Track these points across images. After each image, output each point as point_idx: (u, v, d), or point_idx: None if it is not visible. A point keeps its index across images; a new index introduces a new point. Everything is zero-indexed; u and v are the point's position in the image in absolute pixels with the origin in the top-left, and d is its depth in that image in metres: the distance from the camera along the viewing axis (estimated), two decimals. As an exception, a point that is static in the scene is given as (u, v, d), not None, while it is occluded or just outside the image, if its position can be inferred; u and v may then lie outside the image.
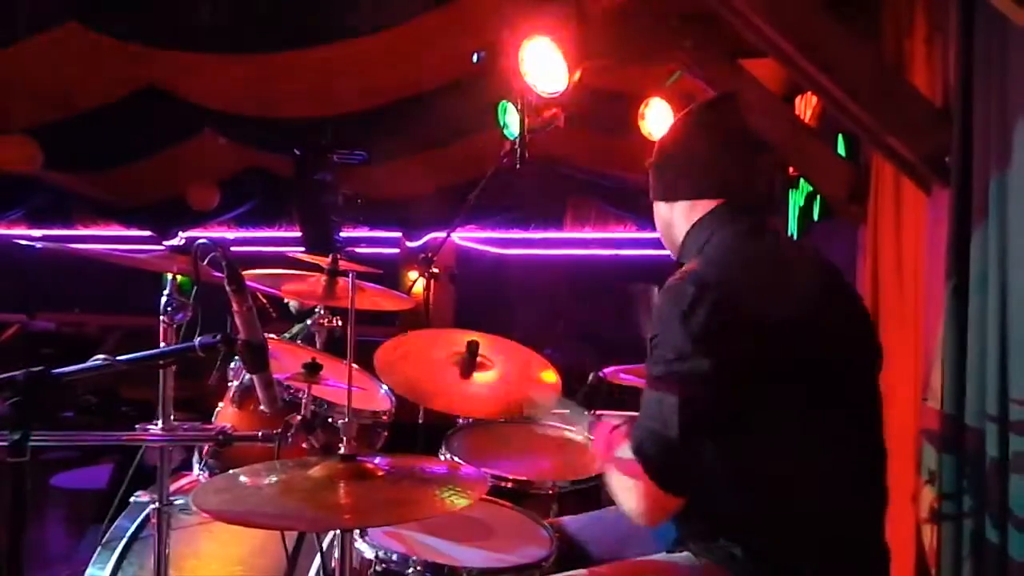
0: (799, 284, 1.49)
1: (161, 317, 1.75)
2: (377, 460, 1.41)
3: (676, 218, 1.60)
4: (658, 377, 1.39)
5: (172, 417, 1.77)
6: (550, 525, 1.83)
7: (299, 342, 2.73)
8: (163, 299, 1.75)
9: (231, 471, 1.44)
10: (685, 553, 1.51)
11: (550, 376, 2.39)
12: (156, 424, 1.75)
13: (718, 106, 1.69)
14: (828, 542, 1.40)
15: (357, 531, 1.63)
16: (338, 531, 1.47)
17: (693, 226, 1.56)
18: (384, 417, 2.39)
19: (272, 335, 2.61)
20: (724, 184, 1.56)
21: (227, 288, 1.40)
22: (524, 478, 2.15)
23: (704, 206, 1.56)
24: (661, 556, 1.56)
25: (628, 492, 1.41)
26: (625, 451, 1.41)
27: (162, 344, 1.74)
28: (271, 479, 1.36)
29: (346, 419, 1.39)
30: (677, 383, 1.36)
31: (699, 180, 1.57)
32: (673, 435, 1.35)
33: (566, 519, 1.89)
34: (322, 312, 2.75)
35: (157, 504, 1.76)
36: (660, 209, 1.65)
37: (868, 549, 1.47)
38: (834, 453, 1.41)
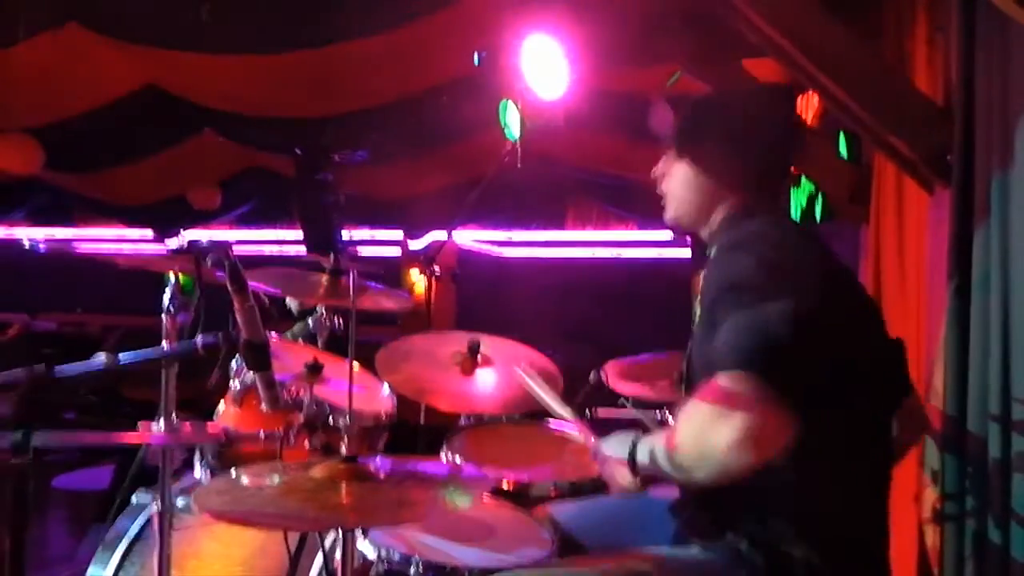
0: (849, 286, 1.53)
1: (163, 317, 1.75)
2: (379, 461, 1.41)
3: (709, 191, 1.56)
4: (748, 304, 1.33)
5: (174, 417, 1.76)
6: (540, 516, 1.83)
7: (300, 341, 2.73)
8: (165, 299, 1.75)
9: (232, 471, 1.44)
10: (695, 549, 1.50)
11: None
12: (158, 424, 1.74)
13: (787, 99, 1.70)
14: (834, 540, 1.39)
15: (359, 531, 1.63)
16: (340, 531, 1.47)
17: (728, 214, 1.54)
18: (385, 418, 2.38)
19: (273, 334, 2.61)
20: (771, 181, 1.58)
21: (229, 288, 1.40)
22: (525, 478, 2.15)
23: (739, 195, 1.54)
24: (665, 549, 1.55)
25: (727, 428, 1.24)
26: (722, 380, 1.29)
27: (164, 344, 1.74)
28: (272, 480, 1.36)
29: (347, 419, 1.39)
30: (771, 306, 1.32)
31: (756, 170, 1.55)
32: (787, 342, 1.29)
33: (555, 508, 1.89)
34: (323, 312, 2.75)
35: (159, 505, 1.76)
36: (688, 173, 1.58)
37: (873, 548, 1.47)
38: (851, 453, 1.41)
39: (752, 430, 1.23)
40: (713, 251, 1.57)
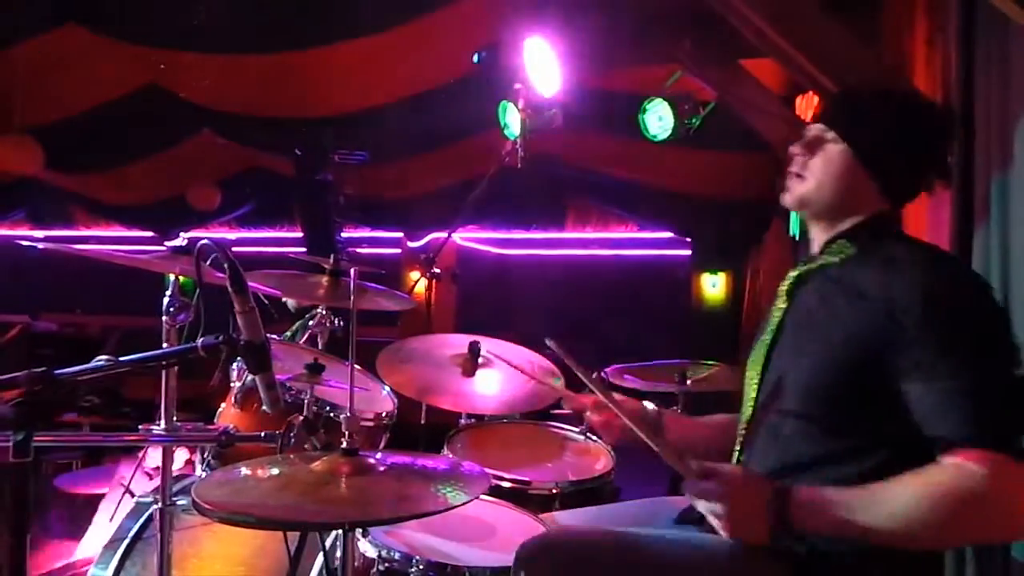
0: None
1: (163, 318, 1.75)
2: (378, 456, 1.41)
3: (862, 194, 1.45)
4: (992, 367, 1.26)
5: (174, 418, 1.77)
6: (546, 521, 1.83)
7: (300, 342, 2.74)
8: (165, 300, 1.75)
9: (232, 466, 1.44)
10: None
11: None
12: (158, 425, 1.75)
13: (951, 125, 1.61)
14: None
15: (359, 531, 1.63)
16: (340, 531, 1.48)
17: (876, 216, 1.45)
18: (386, 418, 2.39)
19: (274, 336, 2.61)
20: (906, 196, 1.51)
21: (229, 289, 1.40)
22: (526, 478, 2.16)
23: (882, 201, 1.46)
24: (695, 533, 1.47)
25: (984, 515, 1.20)
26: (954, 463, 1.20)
27: (164, 345, 1.74)
28: (272, 472, 1.36)
29: (348, 414, 1.39)
30: (1008, 375, 1.26)
31: (910, 179, 1.48)
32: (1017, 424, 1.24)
33: (561, 515, 1.89)
34: (324, 313, 2.75)
35: (160, 504, 1.76)
36: (847, 159, 1.44)
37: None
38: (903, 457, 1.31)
39: (1016, 514, 1.21)
40: (856, 254, 1.42)
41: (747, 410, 1.50)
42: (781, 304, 1.49)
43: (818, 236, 1.50)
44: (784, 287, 1.50)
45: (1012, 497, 1.20)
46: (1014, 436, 1.23)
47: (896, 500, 1.21)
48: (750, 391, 1.50)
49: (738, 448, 1.50)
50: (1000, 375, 1.26)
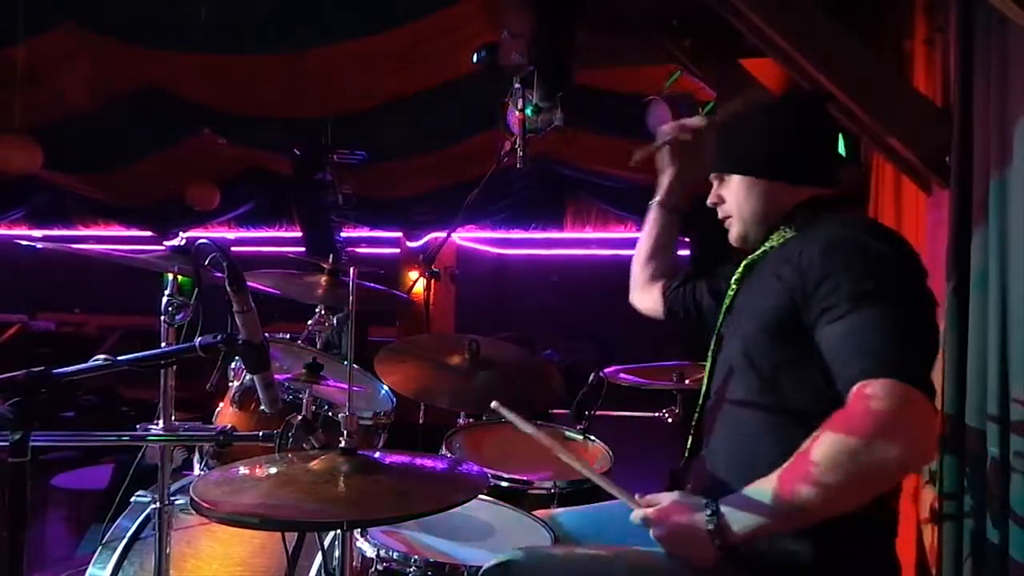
0: None
1: (162, 317, 1.75)
2: (377, 455, 1.41)
3: (776, 197, 1.53)
4: (902, 304, 1.28)
5: (172, 417, 1.77)
6: (544, 518, 1.83)
7: (299, 343, 2.74)
8: (164, 299, 1.75)
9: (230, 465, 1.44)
10: None
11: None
12: (157, 424, 1.75)
13: (822, 102, 1.68)
14: (837, 533, 1.35)
15: (358, 530, 1.63)
16: (339, 531, 1.47)
17: (805, 201, 1.51)
18: (384, 418, 2.39)
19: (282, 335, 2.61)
20: (822, 176, 1.55)
21: (228, 289, 1.40)
22: (524, 478, 2.16)
23: (801, 192, 1.52)
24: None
25: (890, 452, 1.17)
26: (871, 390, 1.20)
27: (163, 344, 1.74)
28: (270, 471, 1.36)
29: (347, 413, 1.39)
30: (921, 314, 1.29)
31: (811, 166, 1.54)
32: (932, 349, 1.30)
33: (560, 512, 1.89)
34: (322, 312, 2.76)
35: (158, 504, 1.76)
36: (744, 183, 1.55)
37: (878, 539, 1.45)
38: None
39: (922, 442, 1.21)
40: (794, 235, 1.49)
41: (704, 388, 1.59)
42: (730, 292, 1.58)
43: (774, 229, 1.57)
44: (736, 276, 1.59)
45: (917, 422, 1.20)
46: (920, 368, 1.23)
47: (813, 464, 1.21)
48: (705, 378, 1.59)
49: (692, 433, 1.59)
50: (906, 315, 1.27)
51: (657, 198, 1.91)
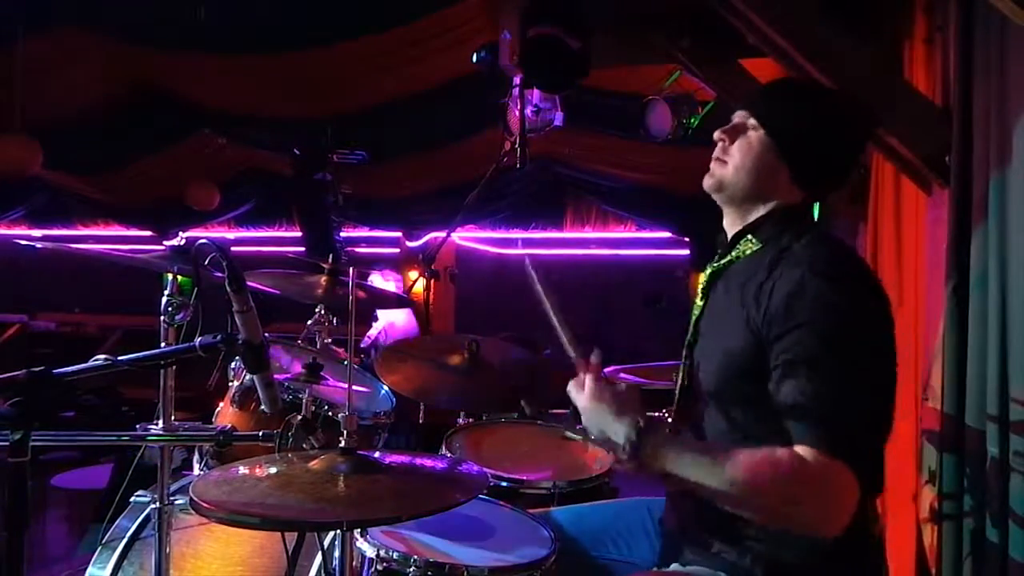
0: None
1: (161, 317, 1.75)
2: (377, 455, 1.41)
3: (776, 184, 1.48)
4: (854, 369, 1.29)
5: (172, 417, 1.77)
6: (543, 518, 1.83)
7: (300, 342, 2.73)
8: (163, 299, 1.75)
9: (229, 465, 1.44)
10: (674, 566, 1.50)
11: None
12: (156, 424, 1.75)
13: (872, 122, 1.65)
14: (830, 542, 1.38)
15: (358, 530, 1.63)
16: (338, 531, 1.47)
17: (787, 208, 1.48)
18: (384, 418, 2.39)
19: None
20: (822, 192, 1.54)
21: (227, 288, 1.40)
22: (524, 478, 2.16)
23: (796, 193, 1.48)
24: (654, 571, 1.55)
25: (808, 507, 1.26)
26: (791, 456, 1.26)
27: (163, 344, 1.74)
28: (270, 471, 1.36)
29: (346, 413, 1.39)
30: (873, 380, 1.32)
31: (825, 173, 1.50)
32: (876, 436, 1.32)
33: (557, 511, 1.89)
34: (322, 312, 2.76)
35: (157, 504, 1.76)
36: (765, 146, 1.47)
37: (869, 546, 1.46)
38: None
39: (830, 515, 1.25)
40: (761, 249, 1.46)
41: (675, 402, 1.60)
42: (699, 302, 1.56)
43: (729, 228, 1.55)
44: (702, 286, 1.56)
45: (825, 498, 1.25)
46: (851, 442, 1.26)
47: (736, 463, 1.27)
48: (676, 388, 1.60)
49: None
50: (856, 379, 1.29)
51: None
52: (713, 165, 1.53)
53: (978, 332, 1.83)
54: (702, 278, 1.56)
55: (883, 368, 1.35)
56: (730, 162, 1.50)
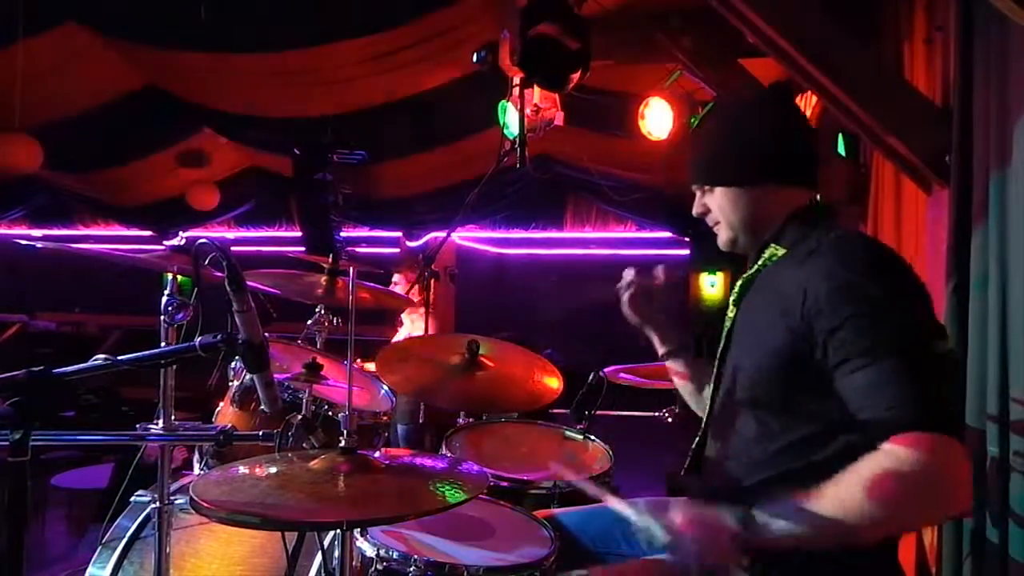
0: None
1: (161, 317, 1.75)
2: (377, 454, 1.41)
3: (763, 205, 1.51)
4: (914, 344, 1.28)
5: (172, 417, 1.77)
6: (544, 518, 1.83)
7: (299, 342, 2.73)
8: (163, 299, 1.75)
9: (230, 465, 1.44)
10: None
11: (552, 381, 2.38)
12: (156, 424, 1.75)
13: (789, 97, 1.63)
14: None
15: (358, 530, 1.63)
16: (338, 530, 1.47)
17: (797, 212, 1.49)
18: (384, 417, 2.39)
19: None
20: (807, 176, 1.53)
21: (227, 288, 1.40)
22: (524, 478, 2.16)
23: (790, 196, 1.50)
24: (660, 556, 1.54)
25: (944, 477, 1.21)
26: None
27: (162, 344, 1.74)
28: (270, 471, 1.36)
29: (346, 414, 1.39)
30: (930, 346, 1.28)
31: (789, 165, 1.52)
32: (952, 399, 1.32)
33: (560, 512, 1.89)
34: (322, 312, 2.76)
35: (157, 504, 1.76)
36: (728, 195, 1.52)
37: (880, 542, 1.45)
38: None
39: (960, 488, 1.23)
40: (786, 253, 1.46)
41: (707, 411, 1.59)
42: (731, 313, 1.57)
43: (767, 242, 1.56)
44: (733, 296, 1.57)
45: (950, 474, 1.22)
46: (943, 411, 1.25)
47: (841, 499, 1.23)
48: (709, 395, 1.59)
49: (698, 442, 1.59)
50: (921, 350, 1.27)
51: (661, 351, 1.88)
52: (716, 230, 1.59)
53: (978, 332, 1.83)
54: (735, 291, 1.57)
55: (936, 336, 1.32)
56: (723, 224, 1.56)
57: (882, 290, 1.32)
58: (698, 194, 1.59)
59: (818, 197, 1.54)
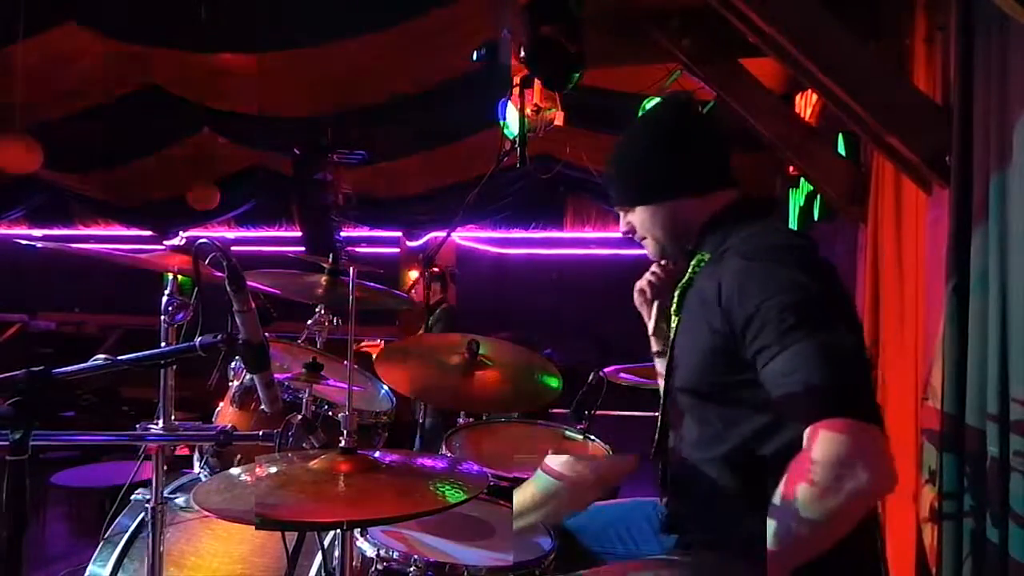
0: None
1: (161, 317, 1.75)
2: (377, 455, 1.41)
3: (679, 216, 1.56)
4: (822, 330, 1.28)
5: (172, 417, 1.76)
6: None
7: (299, 342, 2.73)
8: (163, 299, 1.75)
9: (231, 470, 1.44)
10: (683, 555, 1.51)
11: (553, 380, 2.38)
12: (156, 423, 1.74)
13: (685, 106, 1.64)
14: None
15: (358, 530, 1.63)
16: (338, 530, 1.47)
17: (714, 217, 1.53)
18: (384, 417, 2.39)
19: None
20: (714, 179, 1.56)
21: (227, 288, 1.40)
22: (524, 477, 2.15)
23: (717, 199, 1.54)
24: (663, 557, 1.55)
25: (850, 471, 1.19)
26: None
27: (162, 344, 1.74)
28: (270, 471, 1.36)
29: (347, 414, 1.39)
30: (841, 330, 1.29)
31: (691, 179, 1.55)
32: (866, 380, 1.31)
33: None
34: (322, 312, 2.75)
35: (153, 502, 1.76)
36: (646, 214, 1.59)
37: (868, 544, 1.46)
38: None
39: (880, 473, 1.20)
40: (710, 257, 1.50)
41: (659, 421, 1.66)
42: (673, 323, 1.60)
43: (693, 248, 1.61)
44: (674, 307, 1.60)
45: (869, 460, 1.20)
46: (857, 398, 1.25)
47: (789, 509, 1.21)
48: (661, 400, 1.66)
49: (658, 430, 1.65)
50: (832, 342, 1.27)
51: (654, 350, 1.87)
52: (644, 244, 1.65)
53: (978, 331, 1.83)
54: (673, 301, 1.60)
55: (849, 321, 1.34)
56: (648, 239, 1.62)
57: (789, 277, 1.33)
58: (621, 214, 1.65)
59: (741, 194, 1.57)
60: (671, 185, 1.56)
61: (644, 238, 1.63)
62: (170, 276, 1.80)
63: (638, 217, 1.61)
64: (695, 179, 1.55)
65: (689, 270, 1.56)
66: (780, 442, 1.36)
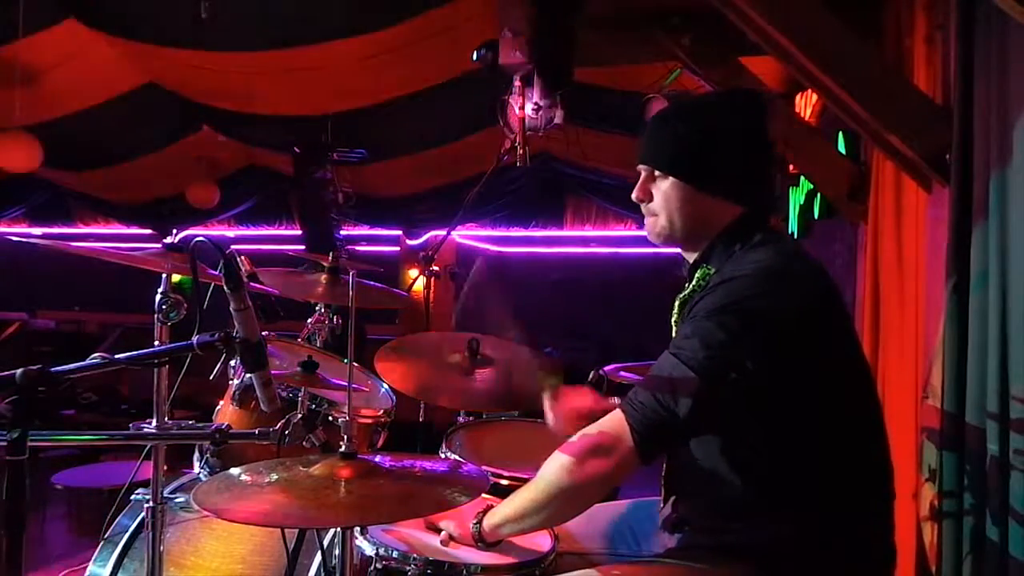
0: (828, 296, 1.46)
1: (155, 316, 1.74)
2: (378, 458, 1.41)
3: (709, 213, 1.48)
4: (691, 355, 1.33)
5: (167, 415, 1.76)
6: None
7: (299, 341, 2.73)
8: (157, 297, 1.74)
9: (231, 470, 1.45)
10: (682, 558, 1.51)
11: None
12: (150, 423, 1.74)
13: (766, 110, 1.58)
14: (835, 539, 1.39)
15: (357, 528, 1.63)
16: (339, 529, 1.47)
17: (728, 229, 1.48)
18: (384, 416, 2.38)
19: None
20: (759, 197, 1.52)
21: (225, 287, 1.39)
22: (524, 476, 2.15)
23: (733, 210, 1.49)
24: (663, 557, 1.55)
25: (596, 453, 1.38)
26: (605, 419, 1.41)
27: (156, 343, 1.74)
28: (271, 477, 1.36)
29: (346, 417, 1.39)
30: (708, 368, 1.31)
31: (745, 186, 1.49)
32: (681, 414, 1.32)
33: None
34: (322, 310, 2.75)
35: (152, 501, 1.76)
36: (680, 189, 1.48)
37: (872, 550, 1.46)
38: (842, 454, 1.41)
39: (618, 466, 1.38)
40: (715, 278, 1.46)
41: None
42: (675, 333, 1.55)
43: (688, 259, 1.56)
44: (673, 317, 1.57)
45: (590, 484, 1.40)
46: (649, 420, 1.33)
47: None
48: None
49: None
50: (691, 384, 1.32)
51: None
52: (647, 222, 1.55)
53: (978, 330, 1.83)
54: (674, 312, 1.57)
55: (744, 368, 1.32)
56: (659, 214, 1.51)
57: (754, 307, 1.34)
58: (644, 175, 1.53)
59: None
60: (725, 179, 1.47)
61: (656, 214, 1.52)
62: (164, 275, 1.79)
63: (665, 188, 1.49)
64: (745, 184, 1.49)
65: (693, 283, 1.51)
66: (780, 442, 1.37)
